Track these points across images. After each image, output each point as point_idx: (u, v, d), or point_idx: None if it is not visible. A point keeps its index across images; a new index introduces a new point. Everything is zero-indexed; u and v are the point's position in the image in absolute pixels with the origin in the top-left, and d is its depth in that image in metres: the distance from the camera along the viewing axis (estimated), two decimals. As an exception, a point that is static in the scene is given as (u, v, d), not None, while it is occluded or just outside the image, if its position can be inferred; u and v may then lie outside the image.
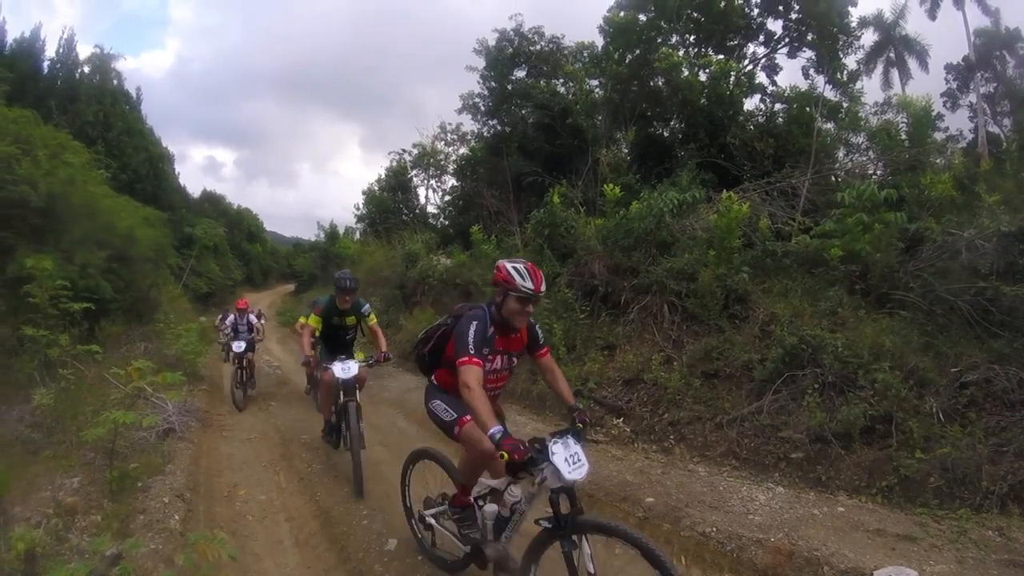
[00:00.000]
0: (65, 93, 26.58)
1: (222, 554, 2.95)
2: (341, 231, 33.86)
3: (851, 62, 16.34)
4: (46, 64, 27.64)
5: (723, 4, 15.25)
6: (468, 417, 3.04)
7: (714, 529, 3.95)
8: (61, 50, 28.28)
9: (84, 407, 5.68)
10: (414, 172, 26.06)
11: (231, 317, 10.33)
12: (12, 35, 26.48)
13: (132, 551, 3.24)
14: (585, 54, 18.15)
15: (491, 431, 2.61)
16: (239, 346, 9.38)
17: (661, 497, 4.54)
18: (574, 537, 2.63)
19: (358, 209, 28.36)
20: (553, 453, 2.62)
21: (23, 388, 6.12)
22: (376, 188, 27.27)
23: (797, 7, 15.39)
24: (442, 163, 24.64)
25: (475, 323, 3.01)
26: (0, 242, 8.23)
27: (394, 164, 26.63)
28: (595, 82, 16.98)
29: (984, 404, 4.60)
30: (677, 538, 3.96)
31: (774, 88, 15.82)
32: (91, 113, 26.18)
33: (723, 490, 4.65)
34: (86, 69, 29.23)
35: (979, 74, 22.76)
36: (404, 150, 26.26)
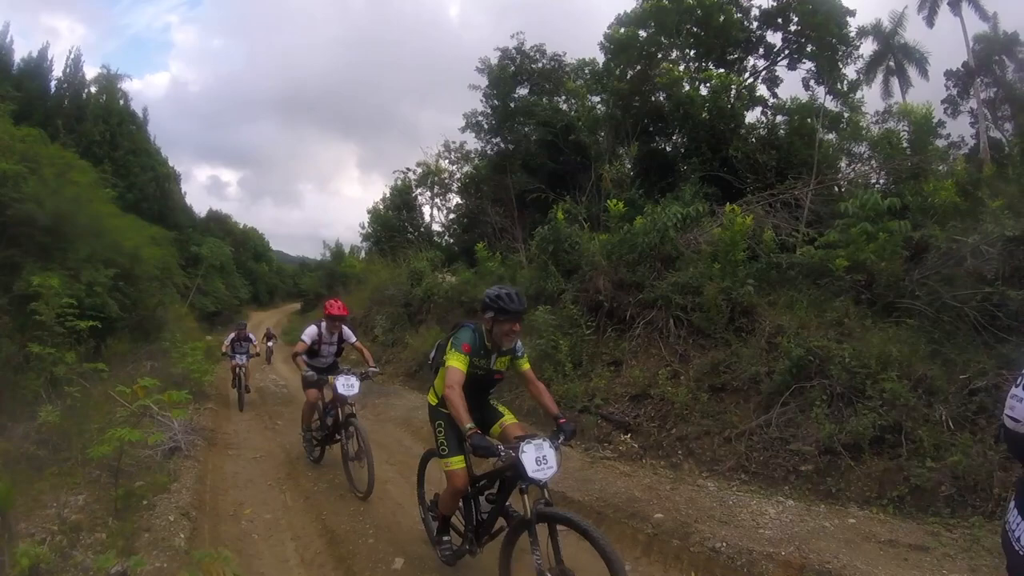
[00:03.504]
0: (72, 113, 26.97)
1: (227, 573, 2.94)
2: (347, 250, 34.16)
3: (851, 72, 16.54)
4: (53, 84, 28.10)
5: (722, 18, 15.39)
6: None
7: (724, 544, 3.89)
8: (68, 70, 28.78)
9: (90, 425, 5.69)
10: (419, 191, 26.22)
11: (311, 329, 6.35)
12: (20, 55, 26.97)
13: (137, 569, 3.22)
14: (587, 71, 18.32)
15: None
16: (351, 385, 5.62)
17: (670, 513, 4.49)
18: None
19: (363, 228, 28.67)
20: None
21: (29, 405, 6.12)
22: (381, 207, 27.43)
23: (796, 19, 15.53)
24: (446, 181, 24.79)
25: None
26: (7, 259, 8.31)
27: (398, 183, 26.81)
28: (597, 98, 17.16)
29: (994, 410, 4.54)
30: (687, 554, 3.90)
31: (775, 100, 15.96)
32: (98, 132, 26.54)
33: (732, 504, 4.60)
34: (93, 89, 29.75)
35: (979, 79, 22.77)
36: (408, 169, 26.46)
